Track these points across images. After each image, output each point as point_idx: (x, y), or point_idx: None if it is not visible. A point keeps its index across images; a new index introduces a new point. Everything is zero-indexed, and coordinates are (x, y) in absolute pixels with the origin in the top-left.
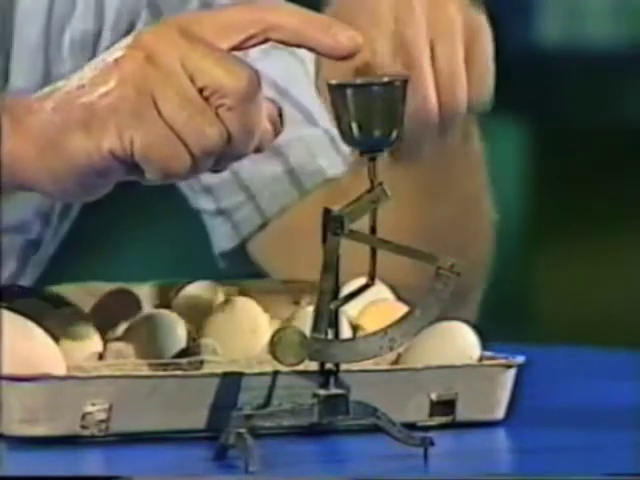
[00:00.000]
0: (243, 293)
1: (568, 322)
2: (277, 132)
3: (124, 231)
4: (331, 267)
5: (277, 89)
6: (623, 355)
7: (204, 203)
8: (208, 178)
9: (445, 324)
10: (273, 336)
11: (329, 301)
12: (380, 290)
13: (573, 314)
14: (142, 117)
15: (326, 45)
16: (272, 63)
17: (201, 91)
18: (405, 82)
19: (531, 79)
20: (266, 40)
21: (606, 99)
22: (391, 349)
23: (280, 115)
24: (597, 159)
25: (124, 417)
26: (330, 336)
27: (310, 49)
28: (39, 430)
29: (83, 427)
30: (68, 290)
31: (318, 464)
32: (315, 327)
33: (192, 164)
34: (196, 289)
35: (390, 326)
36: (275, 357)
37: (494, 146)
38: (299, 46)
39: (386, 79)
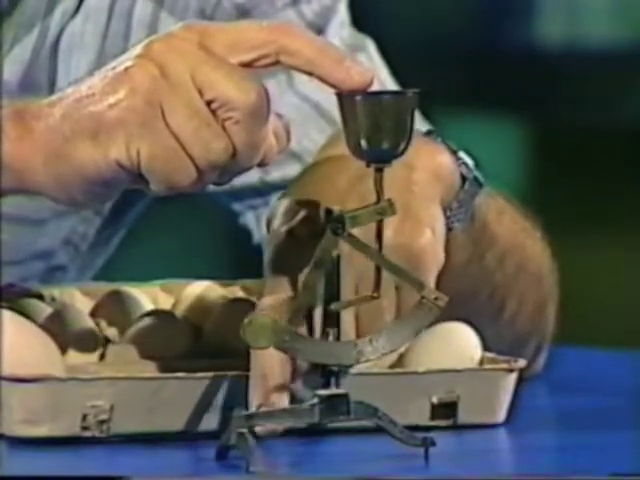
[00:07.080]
0: (244, 293)
1: (568, 322)
2: (282, 147)
3: (125, 231)
4: (321, 264)
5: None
6: (623, 355)
7: None
8: None
9: (446, 325)
10: (245, 319)
11: (313, 297)
12: None
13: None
14: (150, 128)
15: (337, 77)
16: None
17: (209, 104)
18: (415, 94)
19: (531, 79)
20: (277, 62)
21: (606, 99)
22: (357, 362)
23: (287, 130)
24: (597, 159)
25: (125, 418)
26: (332, 336)
27: (320, 79)
28: (40, 431)
29: (84, 428)
30: (68, 291)
31: (319, 464)
32: (291, 318)
33: (197, 176)
34: (197, 289)
35: (362, 339)
36: (245, 339)
37: (494, 145)
38: (310, 74)
39: (396, 90)
